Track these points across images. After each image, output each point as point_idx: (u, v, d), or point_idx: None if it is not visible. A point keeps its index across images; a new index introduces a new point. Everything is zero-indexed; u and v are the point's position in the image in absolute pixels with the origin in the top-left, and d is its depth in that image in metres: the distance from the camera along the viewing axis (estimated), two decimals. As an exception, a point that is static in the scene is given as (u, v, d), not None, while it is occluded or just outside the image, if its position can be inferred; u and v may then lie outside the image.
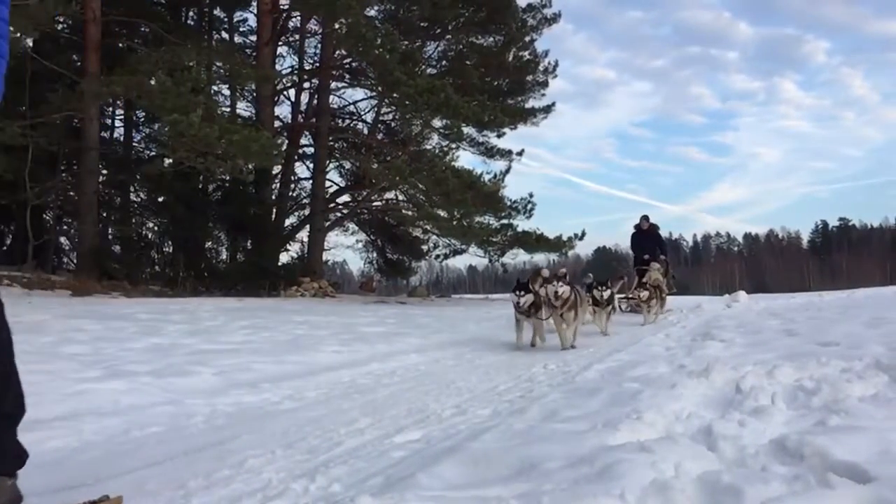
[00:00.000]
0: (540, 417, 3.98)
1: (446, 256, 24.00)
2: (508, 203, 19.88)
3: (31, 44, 15.93)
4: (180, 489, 2.99)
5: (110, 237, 19.09)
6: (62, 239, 19.78)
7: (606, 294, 10.87)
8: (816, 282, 72.66)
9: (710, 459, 2.71)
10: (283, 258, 20.29)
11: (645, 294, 13.08)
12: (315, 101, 22.07)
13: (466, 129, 20.07)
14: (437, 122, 20.26)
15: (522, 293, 8.34)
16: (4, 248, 18.75)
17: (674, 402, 3.84)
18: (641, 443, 2.85)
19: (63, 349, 6.79)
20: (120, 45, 17.39)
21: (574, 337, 8.74)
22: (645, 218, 16.83)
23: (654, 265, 14.56)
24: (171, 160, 16.52)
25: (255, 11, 19.93)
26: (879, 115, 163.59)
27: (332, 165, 22.73)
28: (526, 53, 21.89)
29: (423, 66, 20.94)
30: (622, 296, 15.04)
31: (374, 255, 25.63)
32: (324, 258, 22.14)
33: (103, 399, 4.85)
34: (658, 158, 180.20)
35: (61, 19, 16.97)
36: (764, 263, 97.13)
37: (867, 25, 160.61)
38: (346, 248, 25.39)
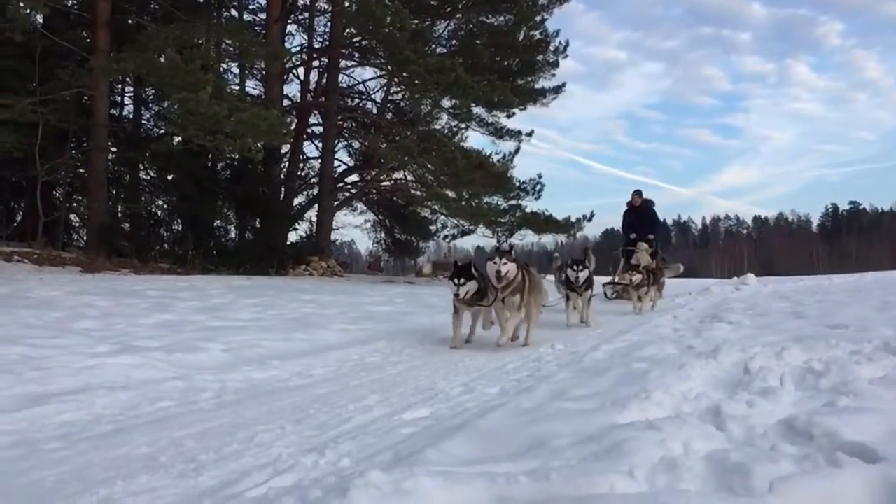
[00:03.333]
0: (548, 396, 4.00)
1: (454, 237, 24.01)
2: (517, 184, 19.86)
3: (41, 20, 15.91)
4: (191, 463, 3.02)
5: (120, 214, 19.14)
6: (72, 216, 19.86)
7: (584, 275, 8.99)
8: (826, 265, 72.39)
9: (718, 439, 2.72)
10: (292, 237, 20.36)
11: (637, 278, 11.06)
12: (324, 80, 21.99)
13: (476, 109, 20.00)
14: (446, 102, 20.15)
15: (463, 280, 6.76)
16: (15, 224, 18.84)
17: (682, 382, 3.84)
18: (650, 421, 2.86)
19: (74, 324, 6.84)
20: (129, 21, 17.36)
21: (528, 333, 7.17)
22: (637, 193, 15.03)
23: (642, 245, 13.20)
24: (180, 138, 16.53)
25: (265, -11, 19.82)
26: (893, 98, 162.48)
27: (340, 145, 22.74)
28: (536, 33, 21.69)
29: (433, 46, 20.85)
30: (608, 281, 13.95)
31: (383, 234, 25.64)
32: (332, 238, 22.16)
33: (114, 374, 4.89)
34: (668, 140, 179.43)
35: (71, -5, 16.94)
36: (773, 246, 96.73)
37: (882, 7, 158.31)
38: (354, 227, 25.38)
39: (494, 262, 6.62)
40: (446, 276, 7.10)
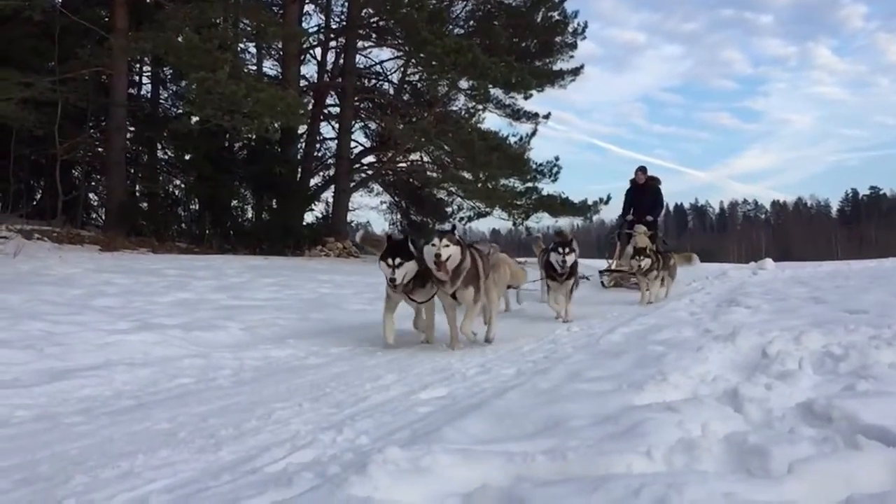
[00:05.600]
0: (564, 377, 3.99)
1: (470, 219, 23.91)
2: (534, 166, 19.78)
3: (60, -1, 15.97)
4: (211, 438, 3.05)
5: (138, 194, 19.26)
6: (91, 195, 19.98)
7: (571, 259, 7.65)
8: (844, 251, 71.61)
9: (736, 421, 2.71)
10: (308, 218, 20.37)
11: (646, 262, 9.82)
12: (341, 61, 21.93)
13: (493, 91, 19.85)
14: (463, 83, 20.03)
15: (399, 261, 5.40)
16: (34, 202, 18.98)
17: (699, 364, 3.82)
18: (667, 403, 2.86)
19: (93, 302, 6.91)
20: (147, 0, 17.34)
21: (491, 325, 6.07)
22: (641, 170, 13.66)
23: (640, 228, 11.92)
24: (197, 118, 16.56)
25: (282, -32, 19.74)
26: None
27: (357, 126, 22.65)
28: (555, 14, 21.50)
29: (451, 26, 20.71)
30: (605, 268, 13.11)
31: (398, 216, 25.62)
32: (348, 219, 22.17)
33: (134, 350, 4.95)
34: (687, 124, 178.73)
35: (90, -26, 16.95)
36: (791, 232, 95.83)
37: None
38: (370, 209, 25.39)
39: (433, 245, 5.36)
40: (375, 253, 5.79)
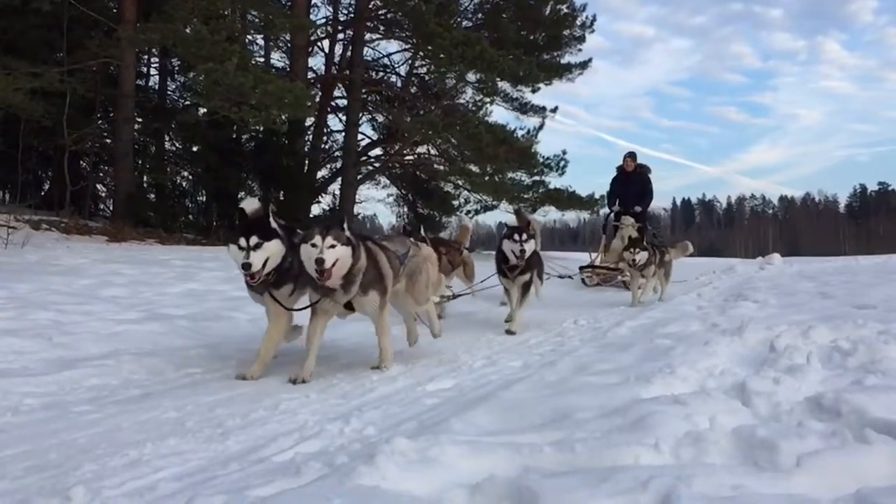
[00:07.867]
0: (571, 370, 4.00)
1: (477, 212, 23.88)
2: (541, 160, 19.73)
3: (68, -11, 15.94)
4: (218, 428, 3.06)
5: (145, 185, 19.26)
6: (98, 186, 20.00)
7: (529, 248, 6.15)
8: (853, 247, 71.37)
9: (744, 414, 2.72)
10: (315, 210, 20.36)
11: (640, 256, 8.67)
12: (349, 53, 21.89)
13: (501, 84, 19.82)
14: (471, 76, 19.99)
15: (256, 241, 4.05)
16: (43, 193, 19.03)
17: (707, 358, 3.83)
18: (675, 396, 2.86)
19: (102, 292, 6.92)
20: (156, -9, 17.32)
21: (385, 356, 4.47)
22: (630, 156, 12.46)
23: (628, 219, 11.13)
24: (205, 109, 16.55)
25: (291, -40, 19.69)
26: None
27: (364, 118, 22.63)
28: (563, 7, 21.38)
29: (459, 19, 20.66)
30: (587, 265, 12.00)
31: (405, 209, 25.59)
32: (355, 211, 22.16)
33: (142, 340, 4.96)
34: (694, 118, 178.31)
35: (98, -35, 16.91)
36: (799, 227, 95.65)
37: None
38: (377, 201, 25.31)
39: (314, 245, 3.94)
40: None
